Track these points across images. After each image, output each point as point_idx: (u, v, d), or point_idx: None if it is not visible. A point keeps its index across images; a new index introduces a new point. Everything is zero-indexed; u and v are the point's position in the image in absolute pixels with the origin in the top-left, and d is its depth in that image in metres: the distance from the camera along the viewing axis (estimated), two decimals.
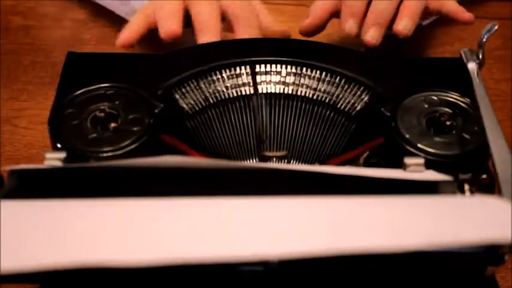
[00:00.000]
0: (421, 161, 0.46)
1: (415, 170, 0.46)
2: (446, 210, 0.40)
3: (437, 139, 0.49)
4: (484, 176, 0.46)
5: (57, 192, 0.42)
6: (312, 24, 0.63)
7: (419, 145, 0.48)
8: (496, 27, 0.55)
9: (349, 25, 0.61)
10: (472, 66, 0.52)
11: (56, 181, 0.45)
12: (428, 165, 0.47)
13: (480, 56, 0.54)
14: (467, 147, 0.48)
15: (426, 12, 0.64)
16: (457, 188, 0.45)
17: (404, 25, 0.61)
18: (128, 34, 0.61)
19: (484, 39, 0.54)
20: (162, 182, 0.43)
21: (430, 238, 0.36)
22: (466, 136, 0.49)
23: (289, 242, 0.36)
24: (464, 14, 0.64)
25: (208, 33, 0.59)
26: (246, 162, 0.51)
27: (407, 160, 0.46)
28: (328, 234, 0.36)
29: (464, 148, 0.48)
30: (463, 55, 0.54)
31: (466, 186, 0.45)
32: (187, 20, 0.61)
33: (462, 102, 0.51)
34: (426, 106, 0.51)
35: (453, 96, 0.51)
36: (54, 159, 0.46)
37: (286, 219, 0.38)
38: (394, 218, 0.39)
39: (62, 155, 0.46)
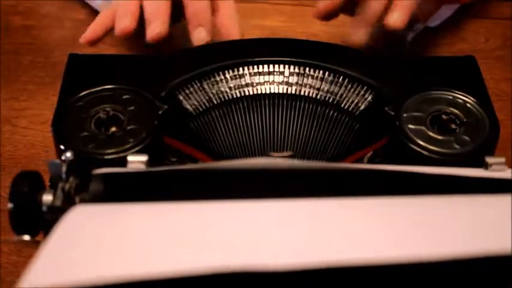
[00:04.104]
0: (503, 159, 0.46)
1: (497, 169, 0.46)
2: None
3: (441, 138, 0.49)
4: None
5: (143, 196, 0.42)
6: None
7: (423, 144, 0.48)
8: None
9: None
10: None
11: (142, 185, 0.44)
12: (432, 164, 0.47)
13: None
14: (471, 146, 0.49)
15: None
16: None
17: (395, 18, 0.58)
18: (92, 31, 0.60)
19: None
20: (250, 184, 0.43)
21: None
22: (470, 135, 0.49)
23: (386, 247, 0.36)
24: None
25: (157, 20, 0.57)
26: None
27: (489, 159, 0.46)
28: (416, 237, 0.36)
29: (468, 147, 0.48)
30: None
31: None
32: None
33: (466, 101, 0.51)
34: (430, 105, 0.51)
35: (457, 95, 0.51)
36: (137, 162, 0.45)
37: (373, 222, 0.38)
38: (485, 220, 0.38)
39: (144, 158, 0.46)
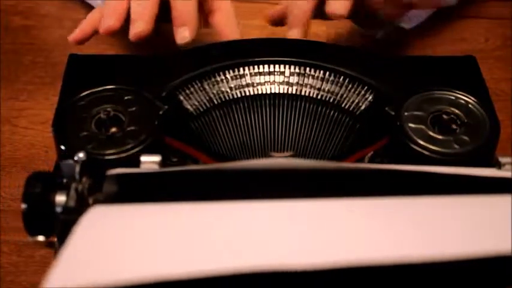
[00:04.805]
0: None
1: (509, 168, 0.46)
2: None
3: (441, 138, 0.49)
4: None
5: (157, 196, 0.41)
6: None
7: (424, 144, 0.48)
8: None
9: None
10: None
11: (155, 185, 0.44)
12: (432, 164, 0.47)
13: None
14: (472, 146, 0.49)
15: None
16: None
17: (335, 6, 0.59)
18: (80, 30, 0.61)
19: None
20: (261, 184, 0.43)
21: None
22: (470, 135, 0.49)
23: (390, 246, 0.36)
24: None
25: (140, 20, 0.58)
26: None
27: (502, 159, 0.46)
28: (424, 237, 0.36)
29: (468, 147, 0.49)
30: None
31: None
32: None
33: (467, 101, 0.51)
34: (430, 105, 0.51)
35: (457, 95, 0.52)
36: (150, 162, 0.45)
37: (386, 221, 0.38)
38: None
39: (158, 158, 0.45)
